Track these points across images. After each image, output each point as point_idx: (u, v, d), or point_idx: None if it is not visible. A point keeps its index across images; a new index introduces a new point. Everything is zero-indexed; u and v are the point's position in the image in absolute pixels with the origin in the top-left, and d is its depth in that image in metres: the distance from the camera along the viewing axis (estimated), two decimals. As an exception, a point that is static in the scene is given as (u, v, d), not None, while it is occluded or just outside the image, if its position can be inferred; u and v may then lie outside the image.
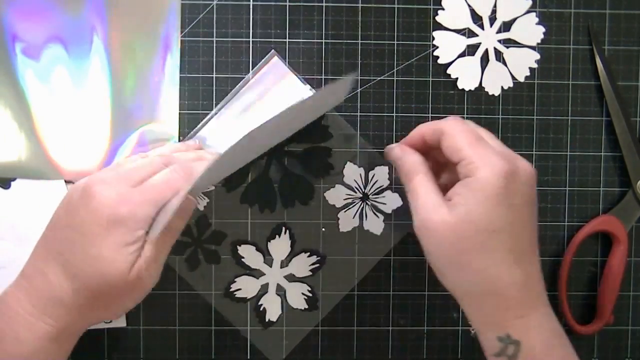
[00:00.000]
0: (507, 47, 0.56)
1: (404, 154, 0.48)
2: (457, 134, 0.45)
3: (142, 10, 0.54)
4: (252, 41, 0.55)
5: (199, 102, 0.55)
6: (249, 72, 0.55)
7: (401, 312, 0.57)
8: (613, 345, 0.57)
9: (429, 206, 0.44)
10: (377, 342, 0.57)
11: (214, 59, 0.55)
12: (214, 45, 0.55)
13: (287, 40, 0.55)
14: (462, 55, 0.56)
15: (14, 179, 0.54)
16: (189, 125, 0.55)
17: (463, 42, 0.56)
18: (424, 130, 0.48)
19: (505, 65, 0.56)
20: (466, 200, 0.43)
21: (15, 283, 0.45)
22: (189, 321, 0.56)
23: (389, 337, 0.57)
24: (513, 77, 0.56)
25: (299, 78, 0.54)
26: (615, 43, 0.56)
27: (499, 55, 0.56)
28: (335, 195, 0.55)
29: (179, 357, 0.56)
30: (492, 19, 0.56)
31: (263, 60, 0.54)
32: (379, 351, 0.57)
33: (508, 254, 0.43)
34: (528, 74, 0.56)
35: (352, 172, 0.55)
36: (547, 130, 0.56)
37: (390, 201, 0.56)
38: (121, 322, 0.55)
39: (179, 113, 0.55)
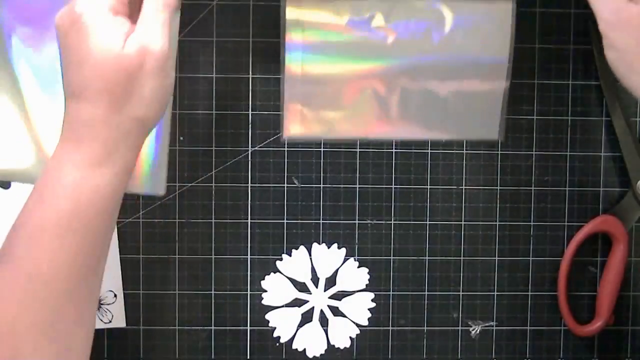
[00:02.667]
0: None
1: None
2: None
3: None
4: (252, 41, 0.55)
5: (199, 102, 0.55)
6: (249, 72, 0.55)
7: (401, 312, 0.57)
8: (613, 346, 0.57)
9: (618, 2, 0.45)
10: (377, 342, 0.57)
11: (214, 59, 0.55)
12: (214, 45, 0.55)
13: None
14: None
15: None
16: (188, 125, 0.55)
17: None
18: None
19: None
20: None
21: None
22: (189, 321, 0.56)
23: (389, 337, 0.57)
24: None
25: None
26: (615, 43, 0.56)
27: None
28: None
29: (179, 357, 0.56)
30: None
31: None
32: (379, 351, 0.57)
33: None
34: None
35: None
36: (547, 131, 0.56)
37: None
38: (121, 322, 0.55)
39: (179, 113, 0.55)
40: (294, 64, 0.51)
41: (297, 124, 0.53)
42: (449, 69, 0.52)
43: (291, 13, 0.50)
